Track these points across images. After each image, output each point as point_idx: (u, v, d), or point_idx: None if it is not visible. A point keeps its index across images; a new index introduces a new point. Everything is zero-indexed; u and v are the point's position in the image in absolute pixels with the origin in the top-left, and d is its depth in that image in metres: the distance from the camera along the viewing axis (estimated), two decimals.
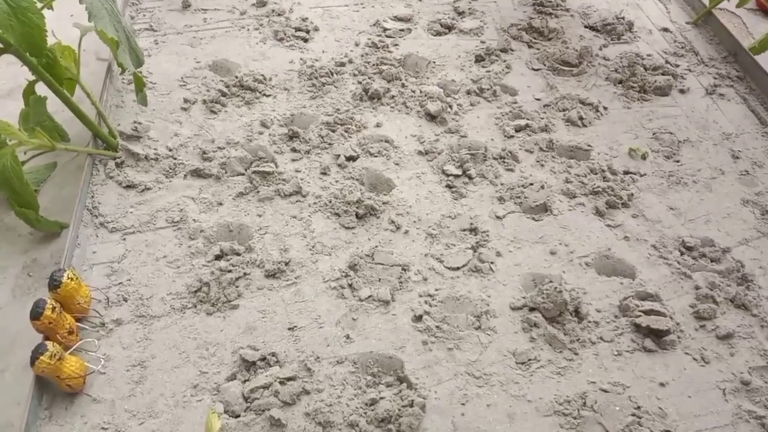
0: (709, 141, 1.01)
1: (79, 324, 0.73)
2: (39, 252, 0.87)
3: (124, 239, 0.84)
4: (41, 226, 0.86)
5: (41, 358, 0.64)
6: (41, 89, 0.87)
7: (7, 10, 0.75)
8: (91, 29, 0.92)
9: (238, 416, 0.67)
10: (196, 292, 0.78)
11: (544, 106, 1.06)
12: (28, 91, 0.89)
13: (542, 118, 1.02)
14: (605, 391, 0.70)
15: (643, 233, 0.87)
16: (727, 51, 1.18)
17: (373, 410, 0.67)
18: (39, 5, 0.78)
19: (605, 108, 1.06)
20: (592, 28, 1.23)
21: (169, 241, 0.84)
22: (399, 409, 0.67)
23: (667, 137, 1.01)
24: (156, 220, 0.86)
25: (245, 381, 0.70)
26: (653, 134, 1.02)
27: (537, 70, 1.13)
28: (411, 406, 0.68)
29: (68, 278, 0.71)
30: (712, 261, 0.84)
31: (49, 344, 0.65)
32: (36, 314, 0.66)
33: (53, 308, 0.67)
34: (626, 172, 0.95)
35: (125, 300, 0.77)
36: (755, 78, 1.11)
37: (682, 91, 1.10)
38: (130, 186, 0.90)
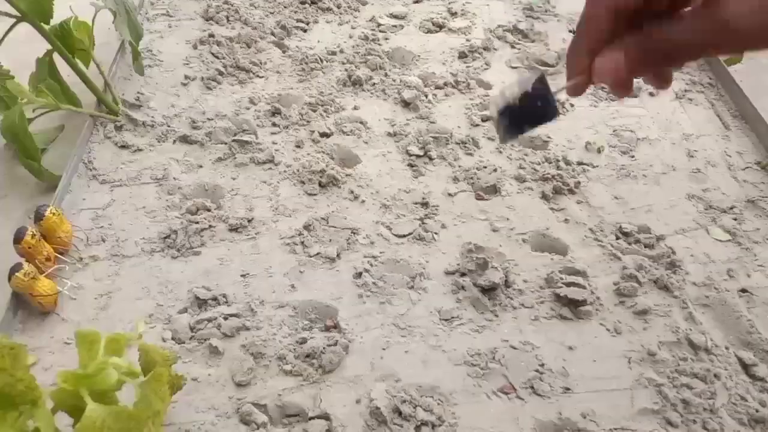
0: (668, 140, 1.05)
1: (59, 256, 0.83)
2: (41, 199, 0.97)
3: (112, 190, 0.94)
4: (43, 177, 0.97)
5: (17, 274, 0.74)
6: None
7: None
8: (104, 6, 1.03)
9: (183, 343, 0.76)
10: (165, 238, 0.88)
11: None
12: (43, 59, 1.01)
13: None
14: (515, 348, 0.76)
15: (584, 217, 0.92)
16: (702, 59, 1.22)
17: (301, 347, 0.75)
18: None
19: (572, 105, 1.11)
20: (574, 32, 1.29)
21: (150, 194, 0.94)
22: (323, 347, 0.75)
23: (627, 134, 1.06)
24: (142, 176, 0.96)
25: (194, 315, 0.79)
26: (614, 131, 1.06)
27: (515, 68, 1.19)
28: (335, 345, 0.75)
29: (51, 213, 0.81)
30: (645, 246, 0.89)
31: (25, 264, 0.75)
32: (17, 238, 0.77)
33: (33, 235, 0.78)
34: (579, 163, 1.00)
35: (103, 240, 0.87)
36: (725, 85, 1.14)
37: (651, 94, 1.14)
38: (124, 146, 1.01)
